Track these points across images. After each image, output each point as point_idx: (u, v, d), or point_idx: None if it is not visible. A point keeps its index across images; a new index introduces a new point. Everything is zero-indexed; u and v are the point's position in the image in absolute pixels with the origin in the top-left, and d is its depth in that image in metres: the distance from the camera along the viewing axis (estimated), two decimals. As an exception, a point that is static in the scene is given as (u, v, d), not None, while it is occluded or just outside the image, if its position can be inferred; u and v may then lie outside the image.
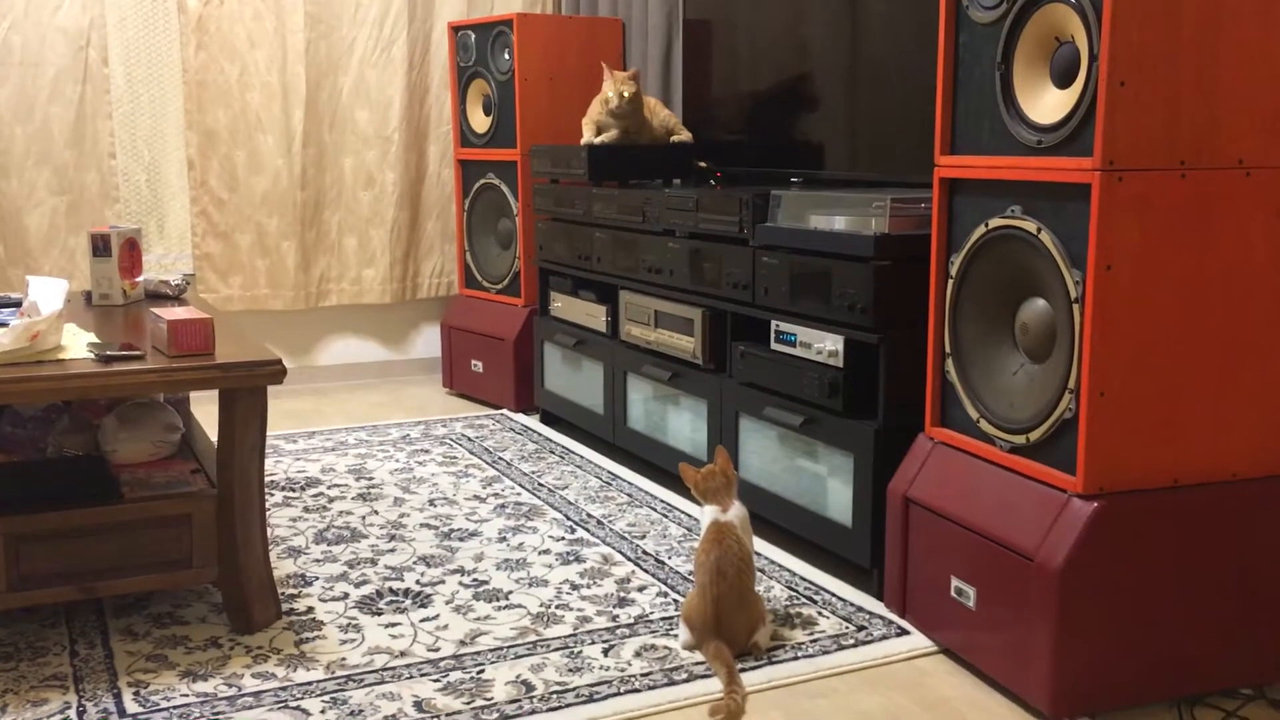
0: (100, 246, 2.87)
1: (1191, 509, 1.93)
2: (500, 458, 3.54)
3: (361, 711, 1.97)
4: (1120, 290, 1.84)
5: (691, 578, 2.49)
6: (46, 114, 4.04)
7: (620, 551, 2.72)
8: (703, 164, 3.62)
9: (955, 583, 2.12)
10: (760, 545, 2.70)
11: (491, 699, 2.01)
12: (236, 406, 2.19)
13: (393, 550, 2.74)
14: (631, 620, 2.33)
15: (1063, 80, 1.91)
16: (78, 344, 2.27)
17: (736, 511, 2.23)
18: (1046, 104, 1.94)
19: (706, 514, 2.24)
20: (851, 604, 2.41)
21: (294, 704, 2.00)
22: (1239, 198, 1.89)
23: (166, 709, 1.98)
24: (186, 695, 2.03)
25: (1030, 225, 1.96)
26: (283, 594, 2.46)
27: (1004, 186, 2.03)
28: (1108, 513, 1.87)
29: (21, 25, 3.97)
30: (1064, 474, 1.92)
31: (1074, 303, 1.88)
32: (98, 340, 2.33)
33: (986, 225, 2.06)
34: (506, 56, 4.05)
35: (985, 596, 2.04)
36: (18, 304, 2.76)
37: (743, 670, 2.10)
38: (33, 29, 3.99)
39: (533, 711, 1.97)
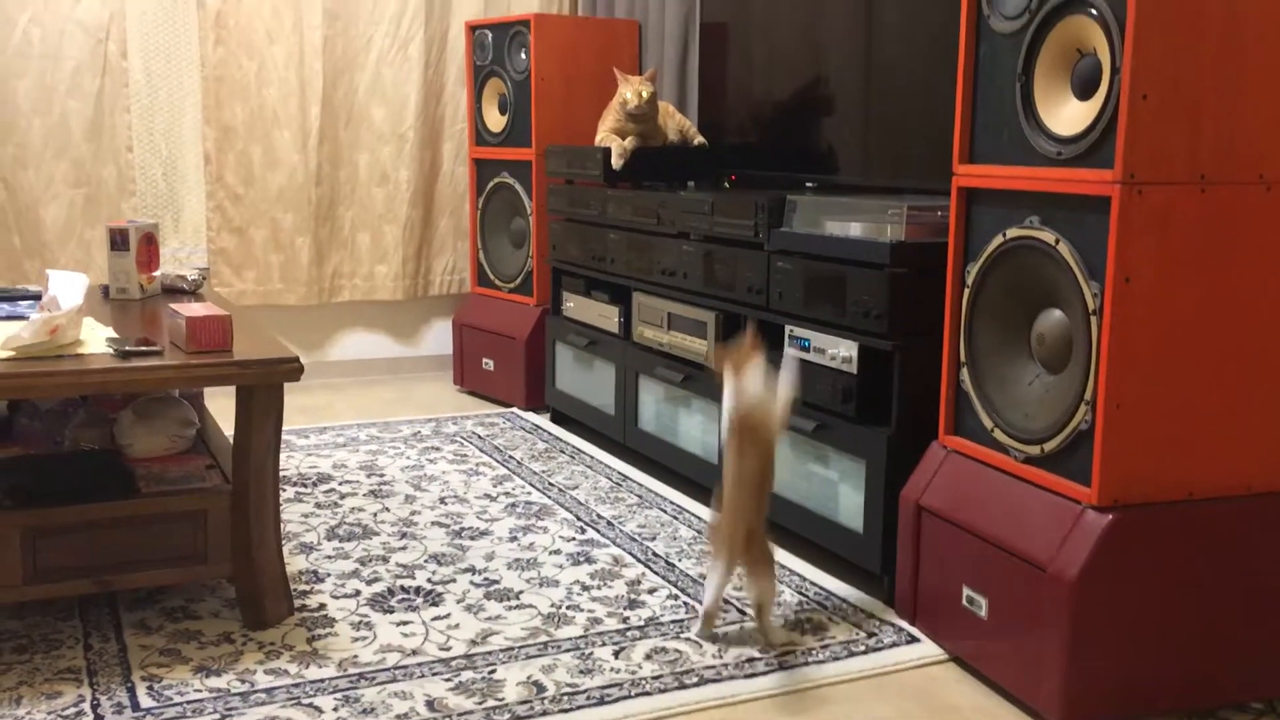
0: (119, 241, 2.88)
1: (1206, 522, 1.93)
2: (511, 456, 3.55)
3: (373, 710, 1.98)
4: (1138, 303, 1.85)
5: (702, 580, 2.49)
6: (65, 107, 4.06)
7: (630, 553, 2.73)
8: (728, 182, 3.59)
9: (967, 591, 2.12)
10: (771, 549, 2.70)
11: (503, 699, 2.02)
12: (254, 403, 2.20)
13: (404, 548, 2.75)
14: (642, 622, 2.34)
15: (1084, 92, 1.91)
16: (96, 339, 2.28)
17: (755, 388, 2.17)
18: (1067, 115, 1.94)
19: (728, 396, 2.22)
20: (862, 610, 2.41)
21: (306, 701, 2.01)
22: (1259, 212, 1.89)
23: (180, 703, 1.99)
24: (200, 690, 2.04)
25: (1049, 236, 1.96)
26: (295, 590, 2.47)
27: (1023, 197, 2.03)
28: (1122, 525, 1.87)
29: (41, 18, 3.99)
30: (1079, 485, 1.92)
31: (1092, 314, 1.88)
32: (116, 335, 2.34)
33: (1004, 235, 2.07)
34: (523, 56, 4.06)
35: (997, 606, 2.05)
36: (36, 296, 2.77)
37: (751, 676, 2.10)
38: (52, 21, 4.00)
39: (544, 713, 1.97)
